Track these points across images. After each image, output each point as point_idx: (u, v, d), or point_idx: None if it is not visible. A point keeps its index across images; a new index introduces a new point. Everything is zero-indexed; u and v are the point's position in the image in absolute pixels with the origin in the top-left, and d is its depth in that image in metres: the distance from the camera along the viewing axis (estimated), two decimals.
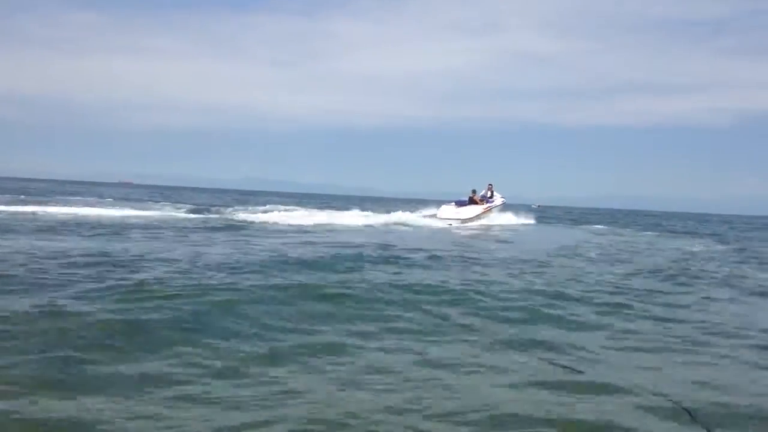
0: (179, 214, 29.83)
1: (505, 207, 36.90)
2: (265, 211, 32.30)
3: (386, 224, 29.32)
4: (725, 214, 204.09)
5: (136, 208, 31.18)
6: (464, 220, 32.81)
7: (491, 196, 35.60)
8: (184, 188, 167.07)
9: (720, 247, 27.96)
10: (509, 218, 36.50)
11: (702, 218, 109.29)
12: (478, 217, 33.77)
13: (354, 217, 31.20)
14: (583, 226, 43.71)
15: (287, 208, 36.65)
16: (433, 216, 33.68)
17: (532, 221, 38.99)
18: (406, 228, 27.76)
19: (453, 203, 34.55)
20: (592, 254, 19.36)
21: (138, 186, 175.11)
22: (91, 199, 43.58)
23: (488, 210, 34.92)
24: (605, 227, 44.09)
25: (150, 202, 42.95)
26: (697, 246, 27.24)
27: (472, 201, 34.60)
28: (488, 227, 31.86)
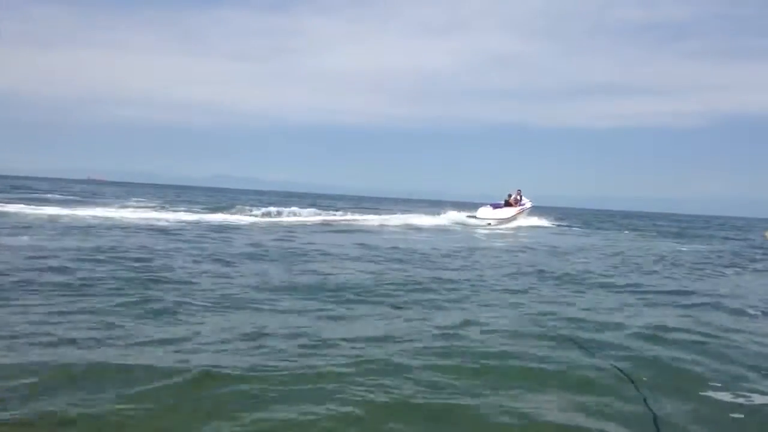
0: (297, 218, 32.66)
1: (532, 210, 41.13)
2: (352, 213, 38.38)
3: (457, 223, 35.39)
4: (693, 214, 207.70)
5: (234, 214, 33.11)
6: (501, 221, 36.40)
7: (521, 200, 39.13)
8: (156, 185, 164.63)
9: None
10: (535, 221, 40.74)
11: (663, 218, 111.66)
12: (513, 218, 37.53)
13: (429, 219, 36.78)
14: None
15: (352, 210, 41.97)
16: (473, 216, 37.33)
17: (555, 223, 43.46)
18: (479, 224, 34.73)
19: (489, 206, 38.08)
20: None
21: (111, 183, 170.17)
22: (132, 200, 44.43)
23: (521, 212, 38.87)
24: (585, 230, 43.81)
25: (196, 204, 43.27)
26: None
27: (507, 204, 38.41)
28: (521, 227, 36.01)
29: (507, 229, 34.11)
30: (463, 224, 35.09)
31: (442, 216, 38.36)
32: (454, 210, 40.63)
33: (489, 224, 35.52)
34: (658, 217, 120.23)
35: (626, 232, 42.70)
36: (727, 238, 40.18)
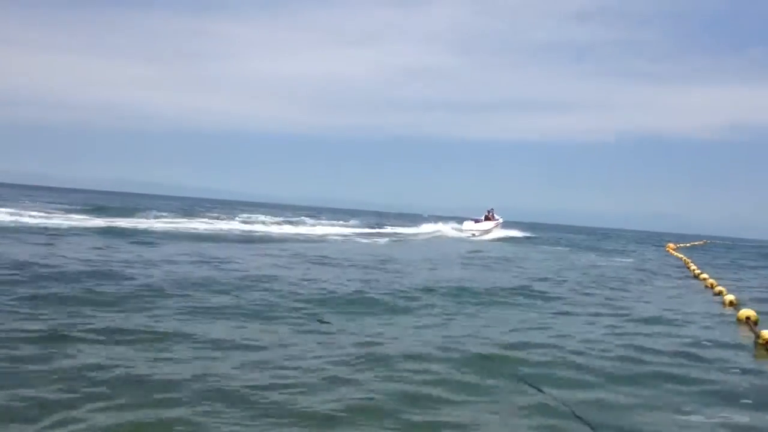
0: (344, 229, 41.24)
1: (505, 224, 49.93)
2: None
3: (444, 234, 43.11)
4: (590, 226, 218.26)
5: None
6: (482, 232, 44.85)
7: (495, 217, 48.14)
8: (54, 189, 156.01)
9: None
10: (507, 232, 48.29)
11: (561, 229, 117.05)
12: (490, 230, 45.73)
13: (421, 229, 45.99)
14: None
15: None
16: (459, 229, 46.08)
17: (525, 234, 50.92)
18: (467, 236, 42.74)
19: (472, 220, 47.48)
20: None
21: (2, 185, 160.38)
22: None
23: (496, 225, 47.56)
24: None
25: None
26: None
27: (487, 218, 47.66)
28: (498, 239, 43.28)
29: (486, 239, 41.68)
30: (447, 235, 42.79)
31: (432, 226, 47.07)
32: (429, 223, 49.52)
33: (473, 235, 43.58)
34: (553, 228, 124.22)
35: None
36: (632, 251, 42.32)
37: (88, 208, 42.37)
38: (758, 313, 10.67)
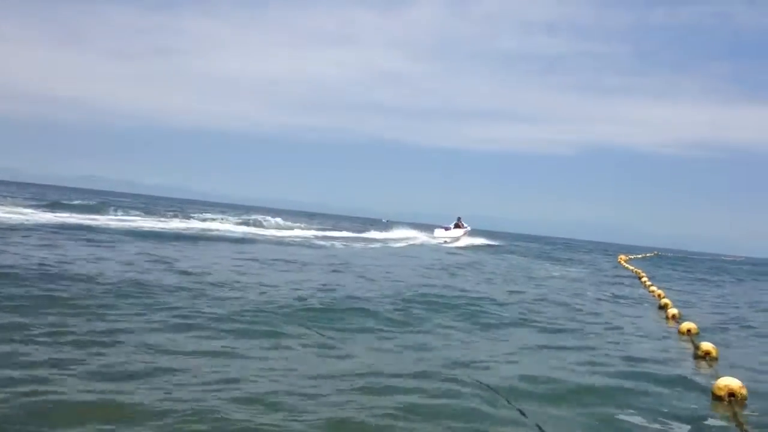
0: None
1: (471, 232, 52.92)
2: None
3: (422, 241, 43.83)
4: (561, 237, 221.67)
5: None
6: (453, 239, 46.73)
7: (463, 225, 50.66)
8: (20, 183, 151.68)
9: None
10: (476, 240, 50.72)
11: (538, 240, 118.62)
12: (460, 238, 47.82)
13: (395, 235, 47.09)
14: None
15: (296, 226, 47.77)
16: (432, 236, 47.58)
17: (494, 242, 53.36)
18: (441, 242, 44.22)
19: (443, 228, 49.58)
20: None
21: None
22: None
23: (465, 233, 49.85)
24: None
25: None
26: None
27: (456, 226, 49.85)
28: (471, 246, 44.41)
29: (458, 246, 43.02)
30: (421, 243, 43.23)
31: (405, 232, 49.30)
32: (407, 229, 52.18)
33: (445, 242, 45.18)
34: (511, 237, 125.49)
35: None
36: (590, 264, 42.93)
37: (44, 203, 41.43)
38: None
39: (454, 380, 6.80)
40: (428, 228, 53.59)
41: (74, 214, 31.09)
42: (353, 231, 48.86)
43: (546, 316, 12.60)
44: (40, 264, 12.40)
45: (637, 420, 6.07)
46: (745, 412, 6.39)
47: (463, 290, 15.51)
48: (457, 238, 47.27)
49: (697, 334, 10.69)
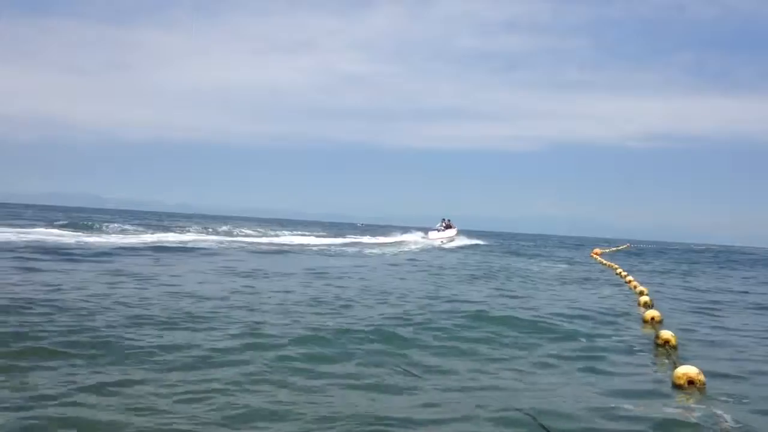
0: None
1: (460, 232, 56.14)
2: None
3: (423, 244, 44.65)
4: (529, 233, 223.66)
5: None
6: (446, 240, 49.81)
7: (452, 225, 54.22)
8: None
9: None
10: (466, 240, 52.79)
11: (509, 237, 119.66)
12: (452, 238, 51.29)
13: (401, 239, 48.34)
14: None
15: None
16: (426, 237, 50.54)
17: (480, 242, 54.70)
18: (438, 244, 45.82)
19: (436, 230, 52.67)
20: None
21: None
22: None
23: (457, 233, 53.89)
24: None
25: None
26: None
27: (447, 226, 53.45)
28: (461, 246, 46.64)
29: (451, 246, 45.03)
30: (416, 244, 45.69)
31: (404, 236, 50.77)
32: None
33: (442, 242, 47.88)
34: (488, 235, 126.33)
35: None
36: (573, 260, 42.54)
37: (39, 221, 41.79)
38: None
39: None
40: (409, 230, 55.24)
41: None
42: (353, 237, 50.70)
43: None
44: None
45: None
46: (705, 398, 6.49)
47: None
48: (452, 239, 50.57)
49: (661, 322, 10.86)
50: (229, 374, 6.67)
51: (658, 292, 18.34)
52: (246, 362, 7.22)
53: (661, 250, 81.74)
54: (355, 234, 57.15)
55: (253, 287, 14.14)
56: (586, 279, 22.97)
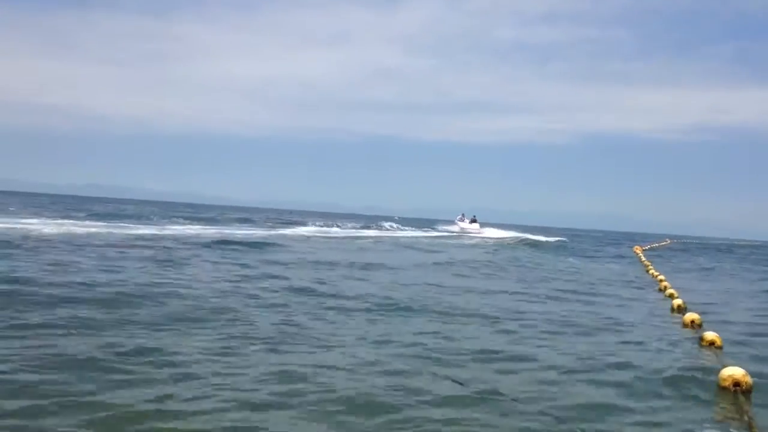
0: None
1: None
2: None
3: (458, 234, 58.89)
4: (565, 227, 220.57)
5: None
6: (476, 231, 59.74)
7: (476, 220, 65.33)
8: (23, 193, 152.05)
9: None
10: (510, 233, 58.17)
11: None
12: (480, 230, 60.51)
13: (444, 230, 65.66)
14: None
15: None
16: (464, 229, 62.70)
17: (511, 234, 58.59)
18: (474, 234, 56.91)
19: (467, 221, 65.03)
20: None
21: None
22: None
23: (481, 226, 63.06)
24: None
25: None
26: None
27: (473, 221, 64.33)
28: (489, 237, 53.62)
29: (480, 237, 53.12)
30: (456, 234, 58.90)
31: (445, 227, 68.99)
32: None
33: (469, 233, 58.86)
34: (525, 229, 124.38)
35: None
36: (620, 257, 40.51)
37: (93, 214, 45.11)
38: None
39: None
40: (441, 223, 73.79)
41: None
42: (428, 229, 66.78)
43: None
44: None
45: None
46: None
47: None
48: (479, 231, 59.84)
49: (701, 325, 10.85)
50: None
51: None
52: None
53: (705, 246, 77.60)
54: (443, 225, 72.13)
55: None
56: None
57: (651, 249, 52.64)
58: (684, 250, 59.07)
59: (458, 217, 68.11)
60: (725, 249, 72.21)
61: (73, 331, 7.88)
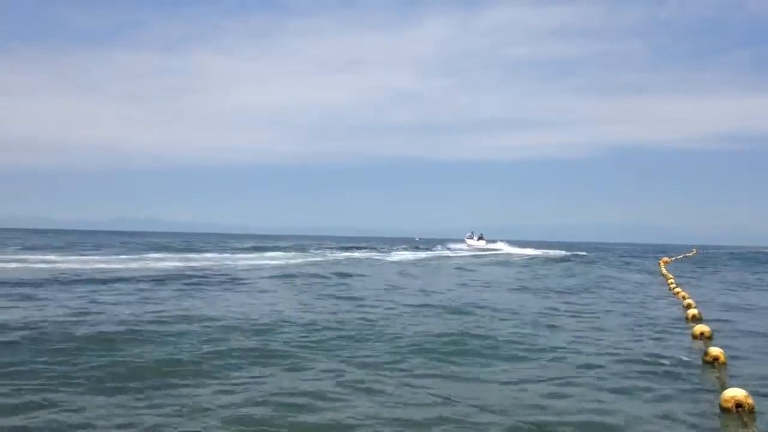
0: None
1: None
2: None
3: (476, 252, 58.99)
4: (583, 241, 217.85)
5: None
6: (482, 248, 64.06)
7: (483, 236, 70.44)
8: (56, 231, 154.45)
9: None
10: (530, 251, 62.58)
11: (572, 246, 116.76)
12: (486, 247, 65.30)
13: (454, 250, 63.20)
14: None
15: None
16: (471, 246, 67.67)
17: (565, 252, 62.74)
18: (486, 252, 59.87)
19: (474, 239, 69.82)
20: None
21: (13, 230, 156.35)
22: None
23: (487, 243, 68.34)
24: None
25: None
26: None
27: (480, 238, 69.14)
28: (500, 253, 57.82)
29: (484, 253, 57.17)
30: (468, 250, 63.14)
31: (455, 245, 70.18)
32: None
33: (476, 248, 62.99)
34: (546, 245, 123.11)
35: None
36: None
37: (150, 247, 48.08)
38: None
39: None
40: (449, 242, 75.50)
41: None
42: (455, 249, 66.60)
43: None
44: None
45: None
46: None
47: None
48: (484, 248, 63.13)
49: (711, 338, 10.19)
50: None
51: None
52: None
53: (739, 257, 74.12)
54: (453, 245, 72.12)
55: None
56: None
57: (676, 260, 50.98)
58: (709, 258, 57.12)
59: (467, 235, 71.36)
60: (751, 258, 69.37)
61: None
